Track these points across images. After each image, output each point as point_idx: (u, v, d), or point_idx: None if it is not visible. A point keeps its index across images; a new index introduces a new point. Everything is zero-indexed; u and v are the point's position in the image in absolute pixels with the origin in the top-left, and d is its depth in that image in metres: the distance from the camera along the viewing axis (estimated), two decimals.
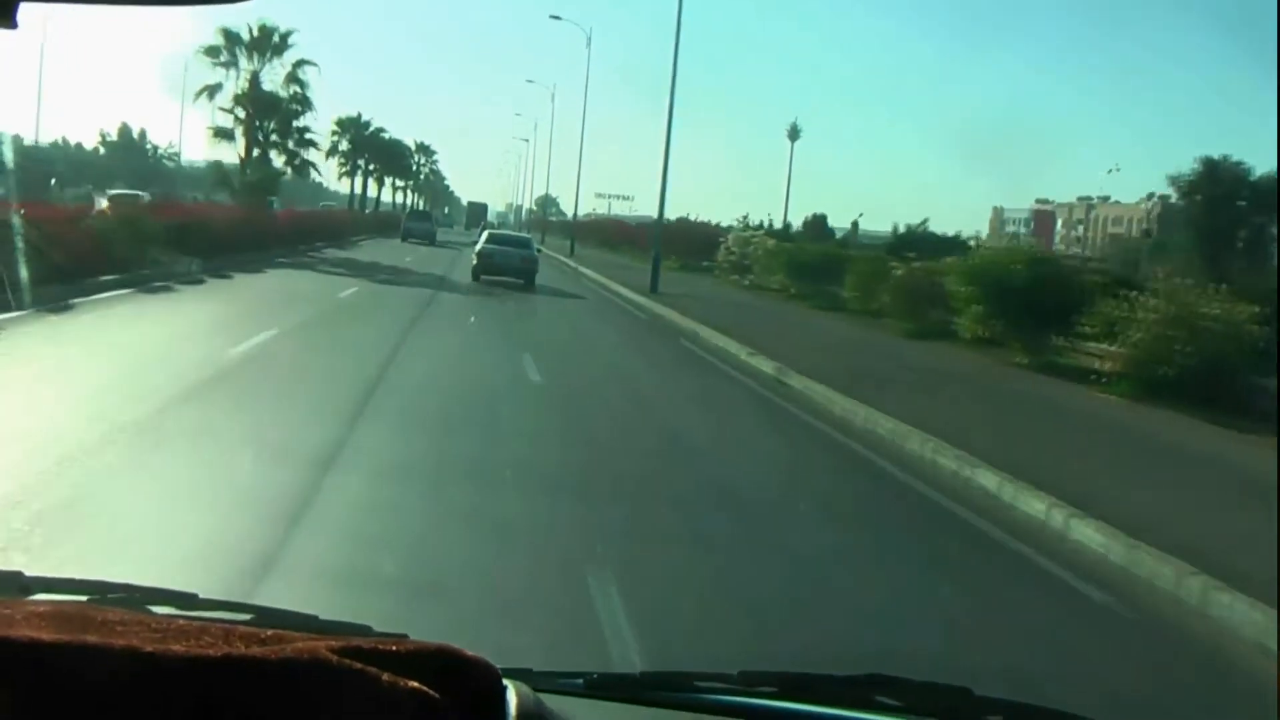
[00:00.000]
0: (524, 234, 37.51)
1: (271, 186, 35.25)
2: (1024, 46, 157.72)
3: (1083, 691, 4.48)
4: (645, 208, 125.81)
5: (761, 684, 1.50)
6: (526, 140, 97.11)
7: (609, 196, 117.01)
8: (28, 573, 1.47)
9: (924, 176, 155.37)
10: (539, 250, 33.00)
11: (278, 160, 37.63)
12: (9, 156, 24.89)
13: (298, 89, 38.27)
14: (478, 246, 28.14)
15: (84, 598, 1.40)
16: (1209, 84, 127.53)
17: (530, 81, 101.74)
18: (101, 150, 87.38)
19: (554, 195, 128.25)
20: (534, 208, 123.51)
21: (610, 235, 68.95)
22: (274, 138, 37.78)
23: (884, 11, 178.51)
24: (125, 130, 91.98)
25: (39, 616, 1.14)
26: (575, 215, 59.20)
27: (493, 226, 45.79)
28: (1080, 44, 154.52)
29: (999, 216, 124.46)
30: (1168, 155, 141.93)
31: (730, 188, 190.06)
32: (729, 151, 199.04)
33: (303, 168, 38.39)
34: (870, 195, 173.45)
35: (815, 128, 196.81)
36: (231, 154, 36.71)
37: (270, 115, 37.56)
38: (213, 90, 37.05)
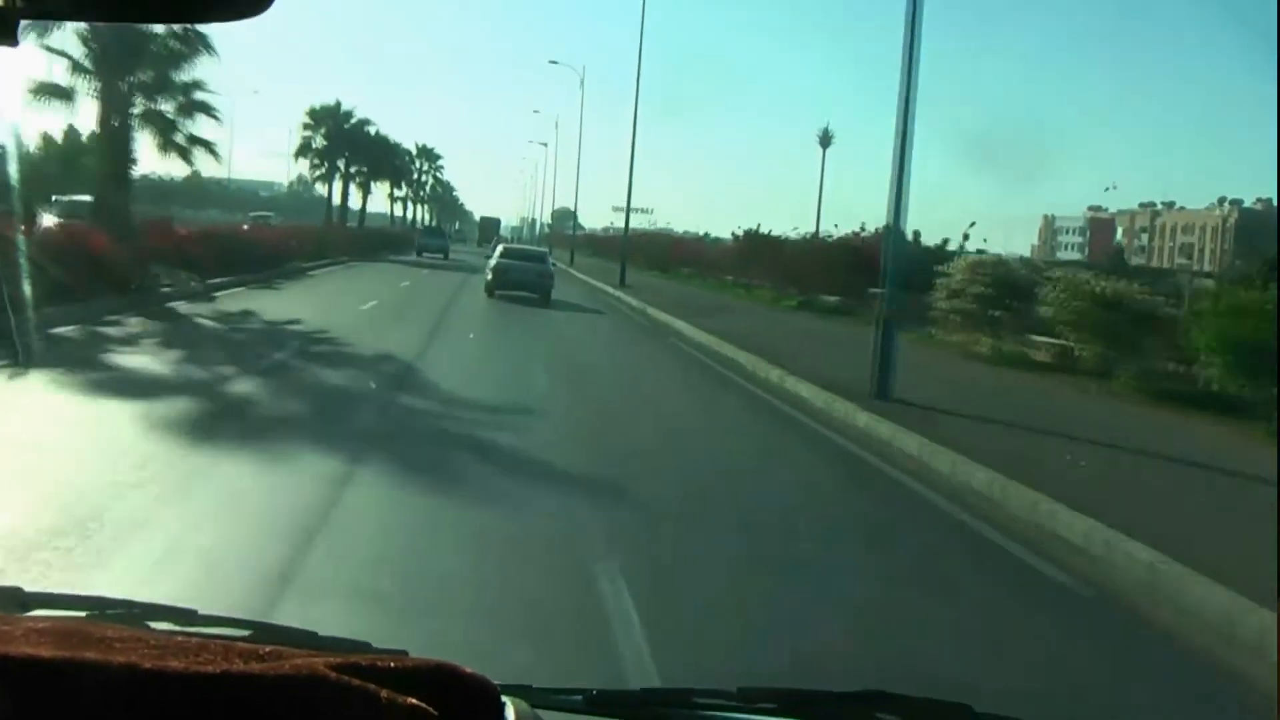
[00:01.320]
0: (539, 248, 35.73)
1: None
2: (1025, 50, 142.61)
3: None
4: (664, 221, 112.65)
5: (761, 700, 1.47)
6: (545, 144, 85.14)
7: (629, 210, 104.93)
8: (27, 589, 1.44)
9: (930, 184, 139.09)
10: (554, 264, 29.81)
11: (145, 134, 21.82)
12: None
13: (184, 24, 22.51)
14: (492, 261, 26.57)
15: (83, 614, 1.39)
16: (1209, 90, 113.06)
17: (554, 63, 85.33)
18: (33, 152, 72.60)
19: (573, 209, 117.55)
20: (550, 222, 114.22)
21: (663, 256, 53.49)
22: (141, 100, 21.98)
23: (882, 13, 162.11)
24: (72, 133, 77.65)
25: (38, 633, 1.12)
26: (626, 228, 42.96)
27: (506, 241, 41.90)
28: (1078, 50, 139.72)
29: (1049, 226, 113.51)
30: (1162, 163, 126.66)
31: (728, 197, 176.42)
32: (729, 157, 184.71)
33: (190, 148, 22.43)
34: (867, 203, 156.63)
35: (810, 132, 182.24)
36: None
37: (135, 64, 21.85)
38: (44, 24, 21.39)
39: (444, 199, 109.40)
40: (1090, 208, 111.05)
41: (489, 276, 26.05)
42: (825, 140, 78.25)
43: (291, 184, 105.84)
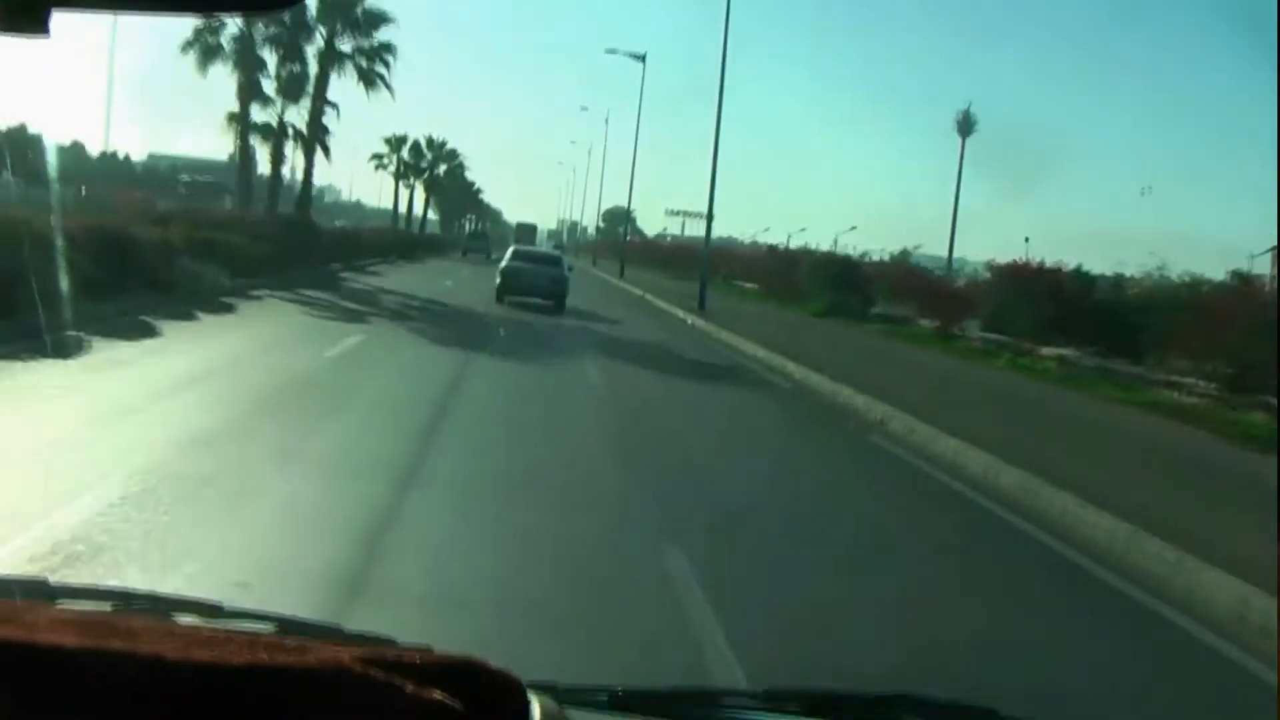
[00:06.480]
0: (554, 251, 34.26)
1: None
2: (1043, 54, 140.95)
3: None
4: (725, 228, 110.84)
5: (787, 701, 1.50)
6: (605, 120, 68.56)
7: (684, 214, 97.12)
8: (53, 580, 1.48)
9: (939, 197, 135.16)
10: (571, 268, 28.61)
11: None
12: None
13: None
14: (502, 264, 25.72)
15: (109, 606, 1.40)
16: (1210, 90, 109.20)
17: (585, 109, 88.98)
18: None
19: (628, 208, 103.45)
20: (601, 224, 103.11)
21: (793, 282, 36.03)
22: None
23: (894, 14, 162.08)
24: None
25: (63, 623, 1.11)
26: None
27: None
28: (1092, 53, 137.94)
29: None
30: (1166, 166, 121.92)
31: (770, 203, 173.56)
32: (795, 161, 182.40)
33: None
34: (888, 217, 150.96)
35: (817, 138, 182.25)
36: None
37: None
38: None
39: (442, 184, 70.09)
40: None
41: (498, 280, 24.74)
42: (965, 127, 54.42)
43: (231, 156, 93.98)
